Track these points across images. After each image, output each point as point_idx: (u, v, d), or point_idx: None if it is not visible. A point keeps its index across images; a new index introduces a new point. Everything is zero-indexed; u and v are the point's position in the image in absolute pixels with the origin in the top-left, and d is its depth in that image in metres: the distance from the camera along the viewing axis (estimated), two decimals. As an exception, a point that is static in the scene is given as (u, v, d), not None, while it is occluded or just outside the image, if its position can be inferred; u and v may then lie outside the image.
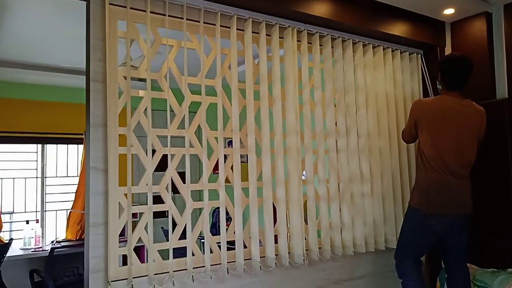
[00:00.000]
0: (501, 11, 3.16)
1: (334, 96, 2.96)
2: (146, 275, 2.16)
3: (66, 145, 5.60)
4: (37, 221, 4.58)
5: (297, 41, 2.77)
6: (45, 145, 5.47)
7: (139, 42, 2.27)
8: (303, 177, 2.72)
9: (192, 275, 2.25)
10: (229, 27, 2.56)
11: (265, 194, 2.58)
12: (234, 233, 2.44)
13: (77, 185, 4.72)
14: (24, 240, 4.22)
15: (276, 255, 2.57)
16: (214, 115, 2.46)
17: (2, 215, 4.60)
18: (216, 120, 2.44)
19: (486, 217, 3.05)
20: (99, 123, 2.11)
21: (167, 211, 2.30)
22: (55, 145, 5.54)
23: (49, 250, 3.84)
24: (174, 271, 2.21)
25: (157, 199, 2.24)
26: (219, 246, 2.41)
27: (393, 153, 3.14)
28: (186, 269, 2.26)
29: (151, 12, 2.27)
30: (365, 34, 3.07)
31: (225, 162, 2.48)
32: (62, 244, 4.26)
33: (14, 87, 5.11)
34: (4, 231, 4.82)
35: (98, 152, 2.10)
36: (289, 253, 2.62)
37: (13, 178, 5.32)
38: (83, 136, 4.12)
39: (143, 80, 2.28)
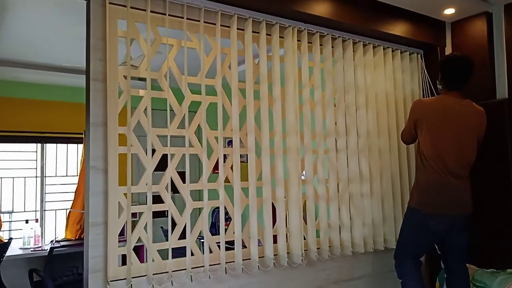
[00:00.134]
0: (501, 11, 3.16)
1: (334, 96, 2.95)
2: (145, 275, 2.16)
3: (65, 145, 5.60)
4: (36, 220, 4.58)
5: (297, 40, 2.77)
6: (44, 144, 5.47)
7: (139, 42, 2.27)
8: (302, 177, 2.72)
9: (191, 275, 2.25)
10: (229, 27, 2.56)
11: (265, 194, 2.57)
12: (234, 233, 2.44)
13: (76, 185, 4.71)
14: (24, 239, 4.22)
15: (275, 255, 2.56)
16: (214, 114, 2.46)
17: (1, 215, 4.61)
18: (216, 120, 2.44)
19: (486, 217, 3.05)
20: (99, 123, 2.11)
21: (167, 210, 2.30)
22: (55, 144, 5.54)
23: (48, 250, 3.84)
24: (173, 271, 2.21)
25: (157, 199, 2.24)
26: (219, 246, 2.41)
27: (393, 153, 3.14)
28: (185, 269, 2.26)
29: (151, 11, 2.27)
30: (365, 34, 3.07)
31: (224, 162, 2.48)
32: (62, 243, 4.25)
33: (14, 86, 5.11)
34: (3, 231, 4.82)
35: (98, 151, 2.10)
36: (288, 253, 2.62)
37: (13, 178, 5.31)
38: (83, 136, 4.13)
39: (143, 79, 2.27)
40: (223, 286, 2.41)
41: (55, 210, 5.47)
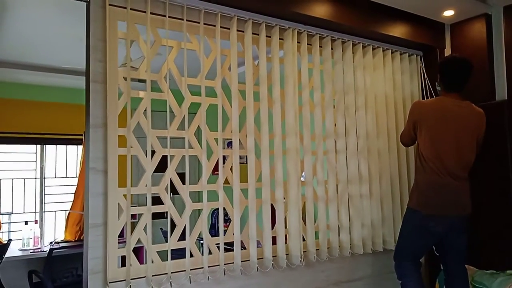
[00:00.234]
0: (500, 13, 3.16)
1: (334, 97, 2.96)
2: (145, 277, 2.16)
3: (65, 146, 5.60)
4: (36, 221, 4.57)
5: (297, 42, 2.77)
6: (44, 145, 5.47)
7: (139, 43, 2.28)
8: (302, 178, 2.72)
9: (190, 277, 2.25)
10: (229, 28, 2.56)
11: (264, 195, 2.58)
12: (234, 234, 2.44)
13: (76, 186, 4.71)
14: (23, 241, 4.21)
15: (273, 256, 2.56)
16: (214, 116, 2.46)
17: (1, 216, 4.60)
18: (215, 121, 2.44)
19: (486, 218, 3.05)
20: (98, 124, 2.11)
21: (166, 212, 2.30)
22: (54, 145, 5.54)
23: (47, 251, 3.83)
24: (172, 273, 2.21)
25: (157, 200, 2.24)
26: (219, 248, 2.41)
27: (392, 155, 3.14)
28: (184, 271, 2.26)
29: (151, 13, 2.27)
30: (365, 36, 3.08)
31: (224, 163, 2.48)
32: (61, 245, 4.24)
33: (13, 88, 5.11)
34: (2, 232, 4.82)
35: (97, 153, 2.10)
36: (286, 254, 2.62)
37: (12, 179, 5.31)
38: (83, 137, 4.13)
39: (143, 81, 2.27)
40: (221, 287, 2.41)
41: (55, 211, 5.47)
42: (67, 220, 4.58)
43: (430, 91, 3.36)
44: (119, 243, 2.12)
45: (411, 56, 3.41)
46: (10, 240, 4.06)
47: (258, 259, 2.49)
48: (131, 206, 2.15)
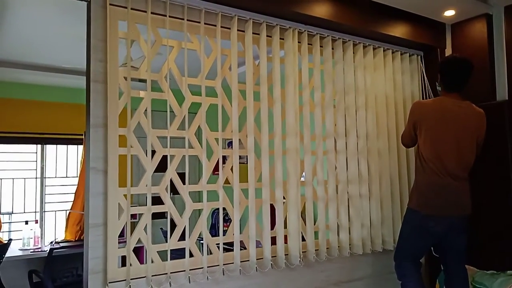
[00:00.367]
0: (501, 13, 3.16)
1: (334, 97, 2.96)
2: (145, 276, 2.15)
3: (65, 146, 5.60)
4: (36, 221, 4.56)
5: (298, 42, 2.77)
6: (44, 145, 5.47)
7: (140, 43, 2.28)
8: (302, 178, 2.72)
9: (189, 277, 2.25)
10: (229, 28, 2.56)
11: (264, 195, 2.57)
12: (234, 234, 2.44)
13: (76, 186, 4.71)
14: (23, 240, 4.21)
15: (273, 256, 2.56)
16: (214, 116, 2.46)
17: (1, 216, 4.60)
18: (216, 121, 2.44)
19: (486, 219, 3.04)
20: (99, 124, 2.11)
21: (167, 212, 2.30)
22: (55, 145, 5.54)
23: (48, 251, 3.83)
24: (171, 273, 2.21)
25: (157, 200, 2.24)
26: (219, 247, 2.41)
27: (392, 155, 3.14)
28: (183, 271, 2.26)
29: (151, 12, 2.27)
30: (365, 36, 3.08)
31: (224, 163, 2.48)
32: (61, 244, 4.24)
33: (14, 87, 5.11)
34: (3, 232, 4.82)
35: (98, 152, 2.10)
36: (286, 254, 2.61)
37: (13, 179, 5.32)
38: (83, 137, 4.12)
39: (144, 80, 2.28)
40: (221, 287, 2.41)
41: (55, 211, 5.47)
42: (67, 220, 4.58)
43: (431, 91, 3.36)
44: (119, 243, 2.12)
45: (412, 56, 3.41)
46: (10, 239, 4.06)
47: (257, 259, 2.49)
48: (131, 206, 2.15)
